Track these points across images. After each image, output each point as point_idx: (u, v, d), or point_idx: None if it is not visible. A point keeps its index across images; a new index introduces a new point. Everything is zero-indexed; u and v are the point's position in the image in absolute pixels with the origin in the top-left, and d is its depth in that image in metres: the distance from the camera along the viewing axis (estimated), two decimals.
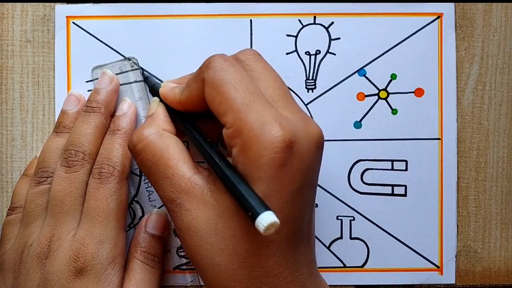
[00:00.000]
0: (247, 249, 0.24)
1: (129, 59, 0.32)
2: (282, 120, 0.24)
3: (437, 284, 0.33)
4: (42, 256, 0.28)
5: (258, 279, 0.24)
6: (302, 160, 0.24)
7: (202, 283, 0.32)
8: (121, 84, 0.32)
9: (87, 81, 0.32)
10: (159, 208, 0.32)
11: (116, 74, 0.32)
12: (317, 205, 0.33)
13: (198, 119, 0.28)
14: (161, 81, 0.32)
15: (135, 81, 0.32)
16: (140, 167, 0.27)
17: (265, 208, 0.22)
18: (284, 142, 0.23)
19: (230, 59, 0.26)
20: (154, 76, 0.33)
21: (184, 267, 0.33)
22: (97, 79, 0.32)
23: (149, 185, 0.32)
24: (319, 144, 0.25)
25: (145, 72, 0.32)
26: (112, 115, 0.31)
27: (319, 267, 0.33)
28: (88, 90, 0.33)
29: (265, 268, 0.24)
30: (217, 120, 0.25)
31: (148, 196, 0.33)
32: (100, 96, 0.31)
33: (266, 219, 0.21)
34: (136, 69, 0.32)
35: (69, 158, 0.29)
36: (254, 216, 0.22)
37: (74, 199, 0.29)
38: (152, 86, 0.31)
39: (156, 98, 0.30)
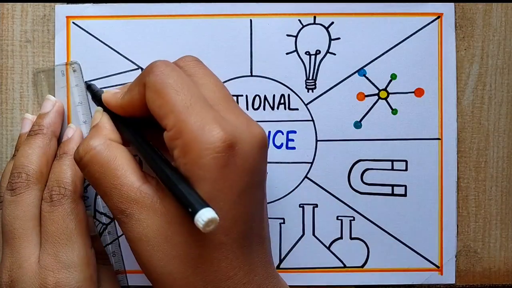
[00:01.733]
0: (199, 254, 0.24)
1: (71, 63, 0.32)
2: (223, 122, 0.24)
3: (437, 284, 0.33)
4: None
5: (212, 284, 0.24)
6: (246, 160, 0.24)
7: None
8: (61, 87, 0.32)
9: (86, 82, 0.32)
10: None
11: (57, 78, 0.32)
12: (317, 205, 0.33)
13: (143, 127, 0.28)
14: None
15: (76, 85, 0.32)
16: (88, 179, 0.27)
17: (204, 204, 0.22)
18: (225, 142, 0.23)
19: (171, 65, 0.26)
20: None
21: None
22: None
23: None
24: (262, 144, 0.25)
25: (87, 82, 0.32)
26: (59, 140, 0.31)
27: (318, 267, 0.33)
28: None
29: (219, 272, 0.24)
30: (160, 127, 0.25)
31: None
32: (42, 119, 0.31)
33: (205, 215, 0.21)
34: (75, 71, 0.32)
35: (13, 181, 0.29)
36: (193, 212, 0.22)
37: (24, 222, 0.28)
38: (94, 93, 0.31)
39: (99, 108, 0.30)
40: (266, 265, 0.26)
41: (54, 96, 0.32)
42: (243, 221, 0.25)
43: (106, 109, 0.29)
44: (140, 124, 0.28)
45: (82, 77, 0.32)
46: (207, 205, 0.22)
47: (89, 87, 0.32)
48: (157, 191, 0.25)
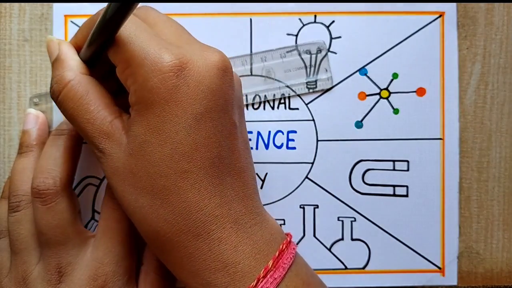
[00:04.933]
0: (164, 185, 0.24)
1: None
2: (170, 47, 0.24)
3: (439, 286, 0.33)
4: (54, 282, 0.28)
5: (182, 215, 0.24)
6: (200, 82, 0.24)
7: None
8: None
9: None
10: None
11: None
12: (317, 206, 0.33)
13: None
14: None
15: None
16: (64, 115, 0.27)
17: None
18: (171, 63, 0.23)
19: None
20: None
21: None
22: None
23: None
24: (219, 65, 0.25)
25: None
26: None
27: (319, 269, 0.33)
28: None
29: (187, 203, 0.24)
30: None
31: None
32: (29, 138, 0.31)
33: None
34: None
35: (13, 202, 0.29)
36: None
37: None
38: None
39: (51, 37, 0.29)
40: (244, 200, 0.25)
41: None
42: (206, 147, 0.24)
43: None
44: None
45: None
46: None
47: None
48: (124, 125, 0.25)
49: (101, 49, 0.26)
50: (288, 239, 0.26)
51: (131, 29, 0.24)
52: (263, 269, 0.24)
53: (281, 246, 0.26)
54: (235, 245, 0.24)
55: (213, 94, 0.24)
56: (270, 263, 0.25)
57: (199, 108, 0.24)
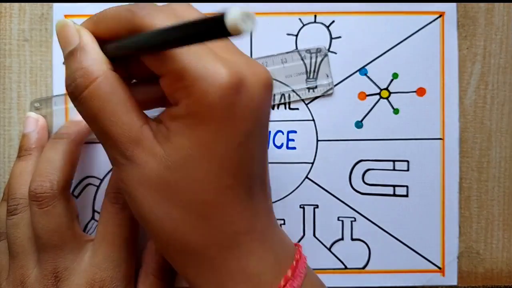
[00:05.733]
0: (203, 199, 0.23)
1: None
2: (225, 60, 0.22)
3: (439, 286, 0.33)
4: (50, 286, 0.28)
5: (216, 229, 0.23)
6: (251, 100, 0.23)
7: None
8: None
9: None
10: None
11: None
12: (317, 206, 0.33)
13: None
14: None
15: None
16: (83, 115, 0.24)
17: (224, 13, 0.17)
18: (231, 80, 0.22)
19: (158, 6, 0.23)
20: None
21: None
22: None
23: None
24: (267, 84, 0.24)
25: None
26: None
27: (319, 269, 0.33)
28: None
29: (223, 217, 0.23)
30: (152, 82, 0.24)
31: None
32: (28, 141, 0.31)
33: (236, 11, 0.16)
34: None
35: (11, 205, 0.29)
36: (220, 19, 0.17)
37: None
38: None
39: (66, 22, 0.24)
40: (268, 213, 0.26)
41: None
42: (249, 165, 0.24)
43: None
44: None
45: None
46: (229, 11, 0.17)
47: None
48: (156, 134, 0.23)
49: (137, 54, 0.23)
50: (299, 248, 0.27)
51: None
52: (283, 279, 0.24)
53: (296, 256, 0.26)
54: (260, 257, 0.24)
55: (261, 112, 0.24)
56: (289, 272, 0.25)
57: (249, 126, 0.23)
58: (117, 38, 0.23)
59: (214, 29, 0.17)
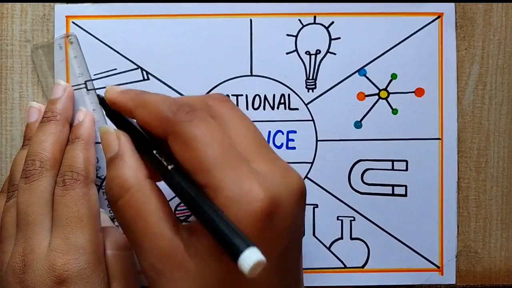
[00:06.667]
0: None
1: (67, 35, 0.32)
2: (260, 178, 0.22)
3: (438, 285, 0.33)
4: (18, 272, 0.27)
5: None
6: (286, 218, 0.22)
7: None
8: (60, 60, 0.32)
9: (99, 95, 0.32)
10: None
11: (56, 52, 0.32)
12: (317, 205, 0.33)
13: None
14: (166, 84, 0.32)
15: (75, 57, 0.32)
16: (118, 222, 0.25)
17: (248, 244, 0.20)
18: (265, 202, 0.21)
19: (198, 111, 0.23)
20: (154, 77, 0.33)
21: None
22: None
23: None
24: (301, 196, 0.23)
25: (99, 95, 0.29)
26: (70, 124, 0.31)
27: (319, 268, 0.33)
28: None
29: None
30: None
31: None
32: (54, 105, 0.31)
33: (251, 258, 0.19)
34: (72, 43, 0.32)
35: (27, 169, 0.29)
36: (236, 253, 0.19)
37: (38, 209, 0.28)
38: (106, 107, 0.28)
39: (108, 129, 0.26)
40: None
41: (54, 70, 0.32)
42: (282, 277, 0.23)
43: (119, 123, 0.27)
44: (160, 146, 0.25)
45: (80, 48, 0.32)
46: (252, 244, 0.20)
47: (102, 101, 0.28)
48: (187, 246, 0.23)
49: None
50: None
51: (218, 151, 0.22)
52: None
53: None
54: None
55: (293, 227, 0.23)
56: None
57: (283, 244, 0.23)
58: (152, 130, 0.24)
59: (229, 249, 0.20)
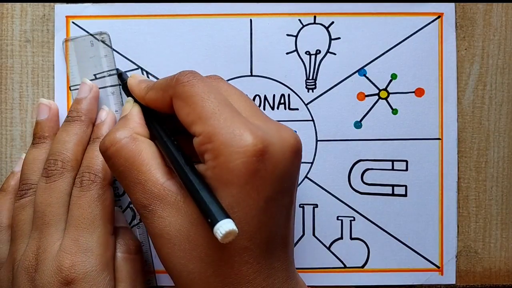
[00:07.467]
0: (220, 257, 0.24)
1: (101, 33, 0.32)
2: (252, 127, 0.24)
3: (438, 285, 0.33)
4: (30, 270, 0.27)
5: (231, 286, 0.24)
6: (276, 166, 0.24)
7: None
8: (90, 57, 0.32)
9: (118, 69, 0.32)
10: None
11: (86, 48, 0.32)
12: (317, 205, 0.33)
13: (174, 128, 0.28)
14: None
15: (105, 56, 0.32)
16: (112, 171, 0.27)
17: (224, 215, 0.22)
18: (256, 146, 0.23)
19: (197, 74, 0.26)
20: (154, 77, 0.33)
21: None
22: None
23: None
24: (294, 149, 0.25)
25: (118, 69, 0.33)
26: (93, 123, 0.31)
27: (319, 268, 0.33)
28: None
29: (239, 275, 0.24)
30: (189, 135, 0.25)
31: None
32: (80, 105, 0.31)
33: (224, 227, 0.21)
34: (104, 41, 0.32)
35: (48, 168, 0.29)
36: (213, 223, 0.22)
37: (56, 209, 0.28)
38: (124, 83, 0.31)
39: (130, 98, 0.30)
40: (286, 268, 0.26)
41: (80, 65, 0.32)
42: (267, 227, 0.24)
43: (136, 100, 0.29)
44: (171, 122, 0.28)
45: (112, 48, 0.32)
46: (227, 216, 0.22)
47: (120, 75, 0.32)
48: (181, 189, 0.25)
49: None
50: None
51: (214, 104, 0.24)
52: None
53: None
54: None
55: (284, 178, 0.25)
56: None
57: (270, 192, 0.24)
58: (163, 104, 0.27)
59: (206, 215, 0.23)
